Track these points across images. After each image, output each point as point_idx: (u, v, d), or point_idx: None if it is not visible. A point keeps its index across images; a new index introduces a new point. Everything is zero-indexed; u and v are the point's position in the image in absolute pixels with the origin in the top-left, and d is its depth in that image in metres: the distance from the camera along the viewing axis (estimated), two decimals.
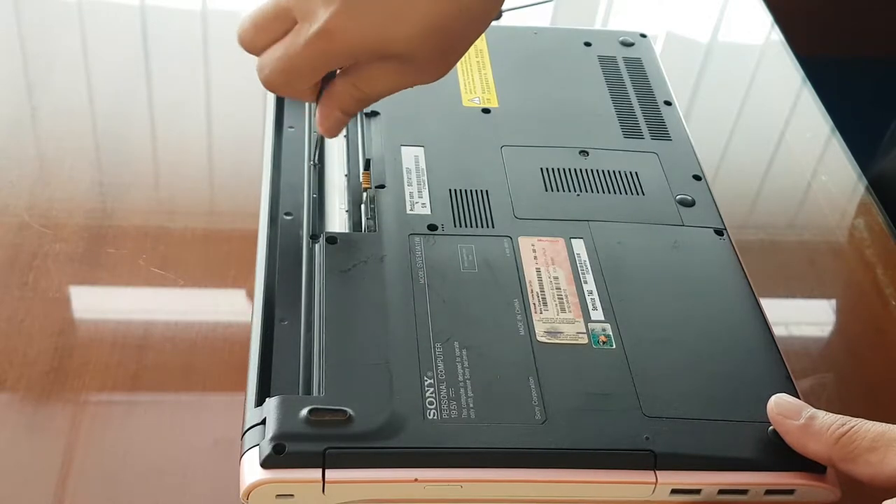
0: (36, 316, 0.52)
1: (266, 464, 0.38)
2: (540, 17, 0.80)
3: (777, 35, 0.82)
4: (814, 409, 0.41)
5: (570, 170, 0.54)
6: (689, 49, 0.82)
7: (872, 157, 0.75)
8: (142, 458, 0.46)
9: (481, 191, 0.52)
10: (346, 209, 0.52)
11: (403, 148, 0.54)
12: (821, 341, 0.59)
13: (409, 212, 0.50)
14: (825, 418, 0.41)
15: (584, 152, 0.55)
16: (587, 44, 0.65)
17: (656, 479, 0.40)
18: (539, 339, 0.44)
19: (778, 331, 0.48)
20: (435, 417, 0.40)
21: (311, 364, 0.43)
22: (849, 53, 1.65)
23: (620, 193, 0.53)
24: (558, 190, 0.53)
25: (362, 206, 0.52)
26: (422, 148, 0.54)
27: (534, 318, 0.45)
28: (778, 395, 0.42)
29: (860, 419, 0.40)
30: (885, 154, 0.74)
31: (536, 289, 0.47)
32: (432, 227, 0.49)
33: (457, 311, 0.45)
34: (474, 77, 0.60)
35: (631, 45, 0.65)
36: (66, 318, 0.52)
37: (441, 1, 0.43)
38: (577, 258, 0.49)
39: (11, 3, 0.75)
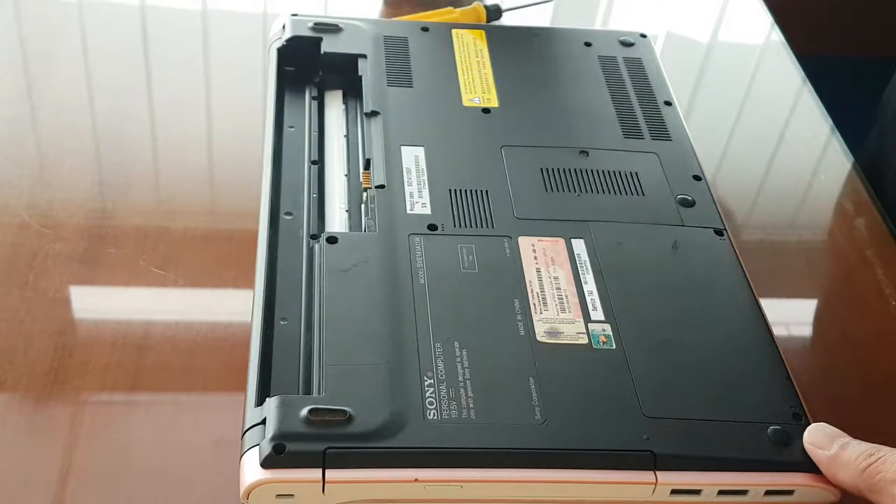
0: (36, 316, 0.52)
1: (266, 464, 0.38)
2: (540, 17, 0.80)
3: (777, 35, 0.82)
4: (847, 439, 0.41)
5: (570, 170, 0.54)
6: (689, 49, 0.82)
7: (872, 157, 0.75)
8: (142, 458, 0.46)
9: (481, 191, 0.52)
10: (346, 209, 0.52)
11: (403, 148, 0.54)
12: (821, 341, 0.59)
13: (409, 212, 0.50)
14: (855, 448, 0.40)
15: (584, 152, 0.55)
16: (587, 44, 0.65)
17: (656, 479, 0.40)
18: (539, 339, 0.44)
19: (778, 331, 0.48)
20: (435, 417, 0.40)
21: (311, 364, 0.43)
22: (849, 53, 1.65)
23: (620, 193, 0.53)
24: (558, 190, 0.53)
25: (362, 206, 0.52)
26: (422, 148, 0.54)
27: (534, 319, 0.45)
28: (815, 424, 0.42)
29: (890, 449, 0.39)
30: (884, 154, 0.74)
31: (536, 289, 0.47)
32: (432, 227, 0.49)
33: (457, 311, 0.45)
34: (474, 77, 0.60)
35: (631, 45, 0.65)
36: (66, 318, 0.52)
37: None
38: (577, 258, 0.49)
39: (11, 3, 0.75)
